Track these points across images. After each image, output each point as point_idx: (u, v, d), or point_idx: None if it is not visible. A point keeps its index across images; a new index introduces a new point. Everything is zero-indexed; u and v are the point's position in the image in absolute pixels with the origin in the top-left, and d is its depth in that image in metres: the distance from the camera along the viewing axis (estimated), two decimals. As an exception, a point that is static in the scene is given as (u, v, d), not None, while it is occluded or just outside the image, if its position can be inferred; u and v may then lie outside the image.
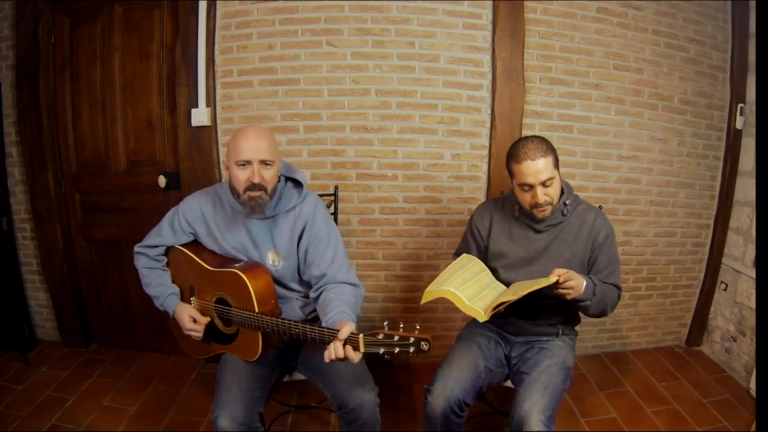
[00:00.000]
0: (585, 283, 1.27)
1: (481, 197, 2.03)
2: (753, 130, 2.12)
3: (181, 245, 1.41)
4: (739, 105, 2.14)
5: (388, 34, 1.91)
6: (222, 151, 2.02)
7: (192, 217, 1.39)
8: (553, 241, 1.39)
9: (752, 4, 2.07)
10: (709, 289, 2.31)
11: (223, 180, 1.42)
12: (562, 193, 1.38)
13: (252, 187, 1.24)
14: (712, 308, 2.33)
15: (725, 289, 2.25)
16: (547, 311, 1.42)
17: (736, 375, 2.11)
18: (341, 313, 1.16)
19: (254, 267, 1.29)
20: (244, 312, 1.24)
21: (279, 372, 1.40)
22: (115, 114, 2.10)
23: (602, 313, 1.36)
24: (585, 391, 2.00)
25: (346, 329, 1.04)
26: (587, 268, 1.40)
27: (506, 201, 1.49)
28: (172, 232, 1.40)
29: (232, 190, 1.32)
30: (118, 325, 2.33)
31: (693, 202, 2.23)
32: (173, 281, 1.43)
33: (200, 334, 1.34)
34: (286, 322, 1.17)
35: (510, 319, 1.44)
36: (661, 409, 1.87)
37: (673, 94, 2.09)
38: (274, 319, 1.20)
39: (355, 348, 1.04)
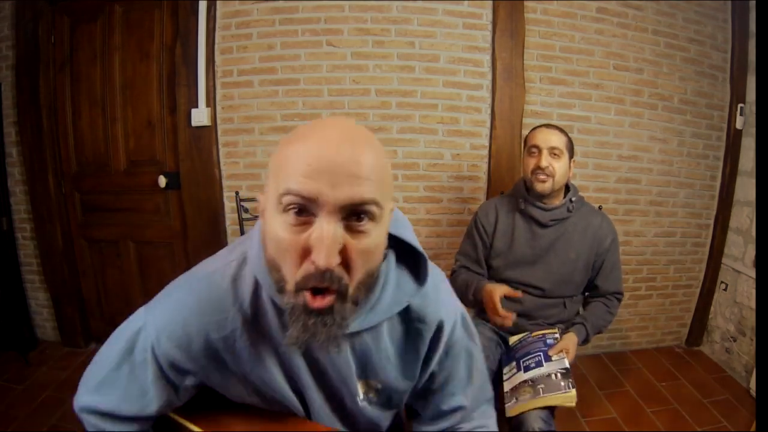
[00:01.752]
0: (577, 338, 1.35)
1: (481, 197, 2.03)
2: (753, 130, 2.12)
3: (179, 415, 0.73)
4: (739, 105, 2.14)
5: (388, 34, 1.91)
6: (222, 151, 2.02)
7: (184, 355, 0.66)
8: (559, 239, 1.39)
9: (752, 4, 2.07)
10: (709, 289, 2.31)
11: (250, 236, 0.68)
12: (567, 190, 1.41)
13: (315, 279, 0.53)
14: (712, 308, 2.33)
15: (725, 289, 2.25)
16: (547, 311, 1.42)
17: (736, 375, 2.11)
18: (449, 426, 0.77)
19: None
20: None
21: None
22: (115, 114, 2.09)
23: (598, 333, 1.44)
24: (585, 391, 2.00)
25: None
26: (592, 273, 1.43)
27: (511, 196, 1.50)
28: (148, 389, 0.67)
29: (271, 268, 0.57)
30: (118, 325, 2.33)
31: (693, 202, 2.23)
32: None
33: None
34: None
35: (518, 323, 1.42)
36: (661, 409, 1.87)
37: (673, 94, 2.09)
38: None
39: None
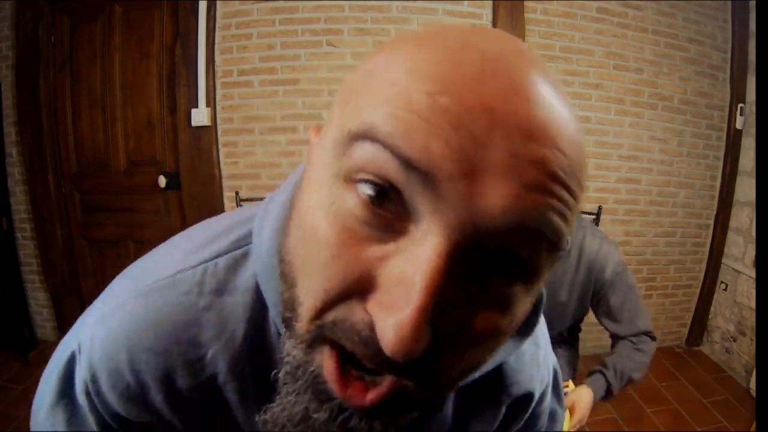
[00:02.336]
0: (592, 395, 1.07)
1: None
2: (753, 130, 2.12)
3: None
4: (739, 105, 2.14)
5: (388, 34, 1.91)
6: (222, 151, 2.02)
7: (122, 399, 0.37)
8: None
9: (752, 4, 2.07)
10: (709, 289, 2.31)
11: (260, 214, 0.37)
12: None
13: (375, 359, 0.24)
14: (712, 308, 2.33)
15: (725, 289, 2.25)
16: (549, 315, 1.33)
17: (736, 375, 2.11)
18: None
19: None
20: None
21: None
22: (115, 114, 2.09)
23: (640, 378, 1.13)
24: (585, 391, 2.00)
25: None
26: (597, 311, 1.16)
27: None
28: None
29: (283, 277, 0.28)
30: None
31: (693, 202, 2.23)
32: None
33: None
34: None
35: None
36: (661, 409, 1.87)
37: (673, 94, 2.09)
38: None
39: None
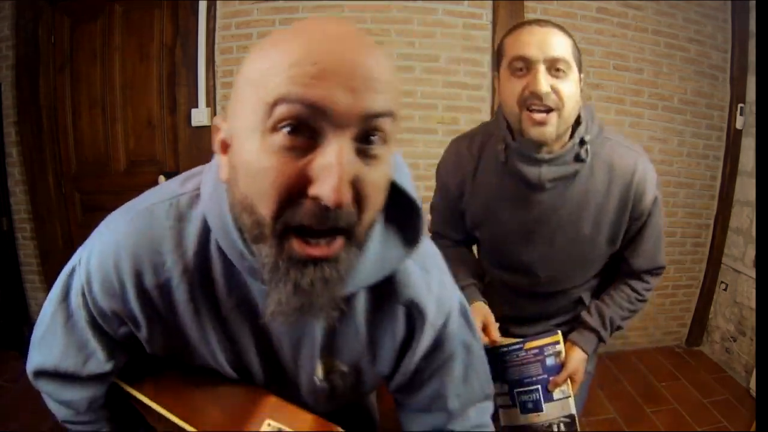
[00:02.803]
0: (585, 353, 0.96)
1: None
2: (753, 130, 2.12)
3: (138, 387, 0.60)
4: (739, 105, 2.14)
5: (388, 34, 1.91)
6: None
7: (116, 300, 0.53)
8: (565, 204, 0.87)
9: (752, 4, 2.07)
10: (709, 289, 2.31)
11: (209, 168, 0.56)
12: (578, 124, 0.85)
13: (314, 218, 0.40)
14: (712, 308, 2.33)
15: (725, 289, 2.25)
16: (557, 317, 1.05)
17: (736, 375, 2.11)
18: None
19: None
20: None
21: None
22: (115, 114, 2.09)
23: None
24: (585, 391, 2.00)
25: None
26: (621, 243, 0.92)
27: (487, 139, 0.94)
28: (87, 339, 0.56)
29: (239, 213, 0.44)
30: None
31: (693, 202, 2.23)
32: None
33: None
34: None
35: (507, 326, 1.06)
36: (661, 409, 1.87)
37: (673, 94, 2.09)
38: None
39: None
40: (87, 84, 2.10)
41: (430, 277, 0.58)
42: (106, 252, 0.53)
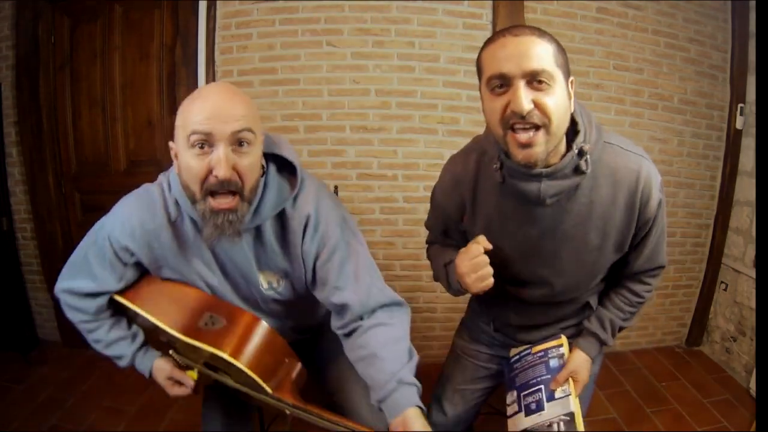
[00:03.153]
0: (586, 355, 0.96)
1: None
2: (753, 130, 2.12)
3: (127, 293, 0.96)
4: (739, 105, 2.14)
5: (388, 34, 1.91)
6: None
7: (131, 241, 0.89)
8: (569, 217, 0.85)
9: (752, 4, 2.07)
10: (709, 289, 2.31)
11: (170, 172, 0.92)
12: (575, 132, 0.82)
13: (217, 187, 0.77)
14: (712, 308, 2.33)
15: (725, 289, 2.25)
16: (564, 322, 1.05)
17: (736, 375, 2.11)
18: (402, 387, 0.80)
19: (238, 323, 0.87)
20: (254, 393, 0.90)
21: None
22: (115, 114, 2.10)
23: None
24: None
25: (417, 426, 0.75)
26: (628, 246, 0.91)
27: (483, 156, 0.91)
28: (107, 270, 0.92)
29: (185, 191, 0.83)
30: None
31: (693, 202, 2.23)
32: (135, 321, 1.00)
33: (189, 391, 0.99)
34: (325, 415, 0.83)
35: (510, 331, 1.11)
36: (661, 409, 1.87)
37: (673, 94, 2.09)
38: (296, 404, 0.86)
39: None
40: (87, 84, 2.11)
41: (316, 197, 0.89)
42: (123, 212, 0.91)
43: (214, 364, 0.90)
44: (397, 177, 2.02)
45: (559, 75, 0.75)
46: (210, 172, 0.77)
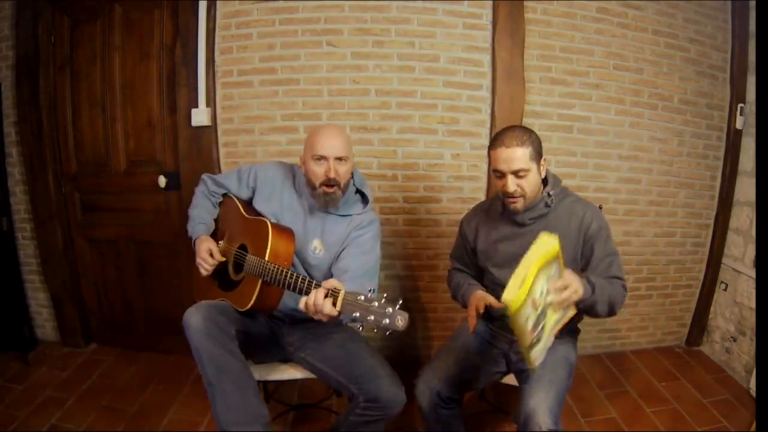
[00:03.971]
0: (577, 280, 1.15)
1: (481, 197, 2.03)
2: (753, 130, 2.12)
3: (237, 198, 1.51)
4: (739, 105, 2.14)
5: (388, 34, 1.91)
6: (222, 151, 2.03)
7: (262, 176, 1.48)
8: (539, 231, 1.32)
9: (752, 4, 2.07)
10: (709, 289, 2.31)
11: (296, 165, 1.51)
12: (545, 185, 1.35)
13: (328, 182, 1.33)
14: (712, 308, 2.33)
15: (725, 289, 2.25)
16: None
17: (736, 375, 2.11)
18: (348, 274, 1.26)
19: (285, 229, 1.34)
20: (255, 257, 1.28)
21: (271, 358, 1.47)
22: (115, 114, 2.10)
23: (611, 311, 1.25)
24: (585, 391, 2.00)
25: (334, 281, 1.07)
26: (581, 264, 1.34)
27: (493, 201, 1.46)
28: (237, 181, 1.52)
29: (308, 182, 1.39)
30: (118, 325, 2.33)
31: (693, 202, 2.23)
32: (215, 222, 1.54)
33: (209, 269, 1.40)
34: (284, 270, 1.19)
35: (505, 320, 1.39)
36: (661, 409, 1.87)
37: (673, 94, 2.09)
38: (275, 266, 1.21)
39: (333, 304, 1.03)
40: (87, 84, 2.11)
41: (371, 215, 1.46)
42: (268, 166, 1.53)
43: (244, 243, 1.39)
44: (397, 177, 2.02)
45: (533, 166, 1.27)
46: (325, 173, 1.32)
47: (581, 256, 1.34)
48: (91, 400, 1.90)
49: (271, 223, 1.31)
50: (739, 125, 2.16)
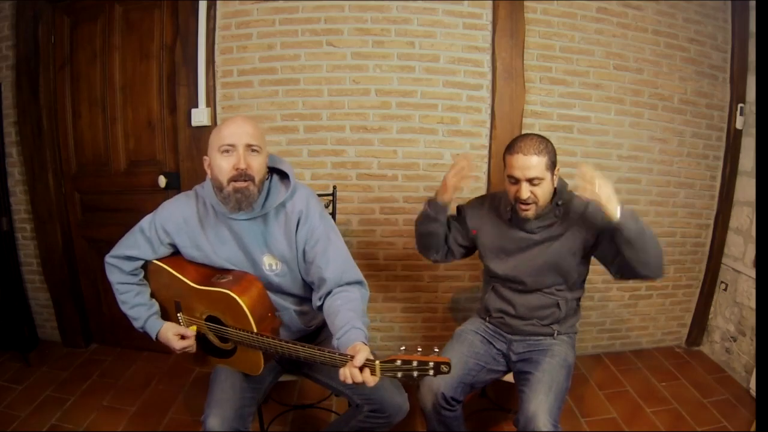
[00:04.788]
0: (619, 203, 1.17)
1: (481, 197, 2.03)
2: (753, 130, 2.12)
3: (160, 260, 1.28)
4: (739, 105, 2.14)
5: (388, 34, 1.91)
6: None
7: (172, 227, 1.25)
8: (548, 238, 1.37)
9: (752, 4, 2.07)
10: (709, 289, 2.31)
11: (205, 182, 1.28)
12: (555, 195, 1.36)
13: (238, 176, 1.12)
14: (712, 308, 2.33)
15: (725, 289, 2.25)
16: (540, 311, 1.42)
17: (736, 375, 2.11)
18: (353, 330, 1.07)
19: (243, 279, 1.20)
20: (242, 332, 1.16)
21: (275, 373, 1.39)
22: (115, 114, 2.10)
23: (658, 258, 1.23)
24: (585, 391, 2.00)
25: (362, 356, 0.96)
26: (597, 253, 1.36)
27: (501, 201, 1.45)
28: (147, 244, 1.26)
29: (214, 185, 1.18)
30: (118, 325, 2.33)
31: (693, 202, 2.23)
32: (154, 297, 1.31)
33: (193, 347, 1.27)
34: (291, 345, 1.09)
35: (504, 318, 1.45)
36: (661, 409, 1.87)
37: (673, 94, 2.09)
38: (277, 341, 1.11)
39: (372, 373, 0.98)
40: (87, 84, 2.11)
41: (306, 199, 1.25)
42: (168, 208, 1.28)
43: (214, 315, 1.21)
44: (397, 177, 2.02)
45: (548, 175, 1.28)
46: (235, 165, 1.14)
47: (595, 245, 1.34)
48: (91, 400, 1.90)
49: (231, 289, 1.14)
50: (739, 125, 2.16)
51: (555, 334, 1.42)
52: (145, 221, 1.28)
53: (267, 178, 1.23)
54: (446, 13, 1.91)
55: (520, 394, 1.29)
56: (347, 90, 1.95)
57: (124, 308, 1.28)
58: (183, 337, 1.25)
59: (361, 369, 0.97)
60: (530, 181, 1.26)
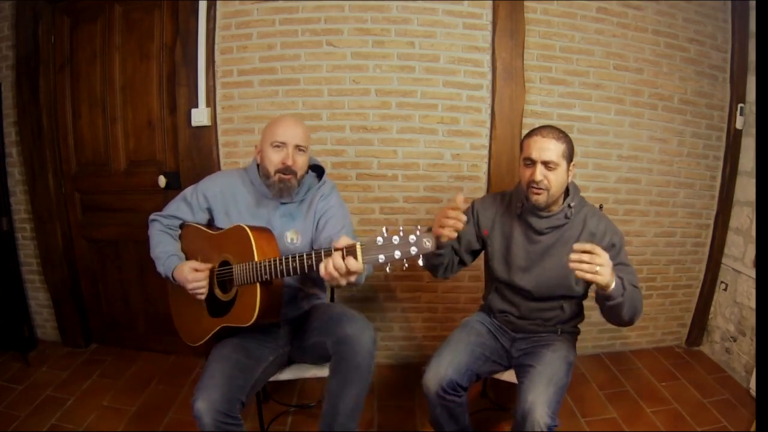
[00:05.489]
0: (610, 265, 1.11)
1: (481, 197, 2.03)
2: (753, 130, 2.12)
3: (196, 223, 1.44)
4: (739, 105, 2.14)
5: (388, 34, 1.91)
6: (222, 151, 2.03)
7: (212, 193, 1.43)
8: (554, 244, 1.36)
9: (752, 4, 2.07)
10: (709, 289, 2.31)
11: (250, 165, 1.47)
12: (567, 195, 1.36)
13: (284, 170, 1.33)
14: (712, 308, 2.33)
15: (725, 289, 2.25)
16: (544, 314, 1.43)
17: (736, 375, 2.11)
18: (339, 234, 1.21)
19: (261, 227, 1.29)
20: (243, 264, 1.22)
21: (267, 364, 1.37)
22: (115, 114, 2.10)
23: (632, 318, 1.24)
24: (585, 391, 2.00)
25: (344, 239, 1.01)
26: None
27: (512, 198, 1.45)
28: (188, 208, 1.44)
29: (261, 172, 1.39)
30: (118, 325, 2.33)
31: (693, 202, 2.23)
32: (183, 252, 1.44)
33: (205, 285, 1.30)
34: (282, 258, 1.13)
35: (508, 317, 1.46)
36: (661, 409, 1.87)
37: (673, 94, 2.09)
38: (270, 259, 1.15)
39: (355, 258, 0.99)
40: (87, 84, 2.11)
41: (330, 188, 1.48)
42: (212, 180, 1.47)
43: (226, 259, 1.31)
44: (397, 177, 2.02)
45: (563, 163, 1.28)
46: (283, 161, 1.33)
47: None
48: (91, 400, 1.90)
49: (246, 225, 1.26)
50: (739, 125, 2.16)
51: (558, 332, 1.44)
52: (188, 190, 1.47)
53: (306, 173, 1.43)
54: (446, 13, 1.91)
55: (520, 386, 1.29)
56: (347, 90, 1.95)
57: (152, 252, 1.41)
58: (197, 270, 1.32)
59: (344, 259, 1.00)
60: (546, 164, 1.26)
